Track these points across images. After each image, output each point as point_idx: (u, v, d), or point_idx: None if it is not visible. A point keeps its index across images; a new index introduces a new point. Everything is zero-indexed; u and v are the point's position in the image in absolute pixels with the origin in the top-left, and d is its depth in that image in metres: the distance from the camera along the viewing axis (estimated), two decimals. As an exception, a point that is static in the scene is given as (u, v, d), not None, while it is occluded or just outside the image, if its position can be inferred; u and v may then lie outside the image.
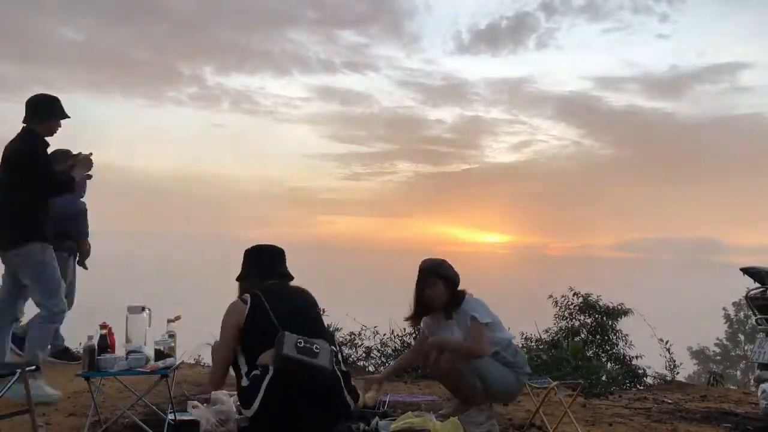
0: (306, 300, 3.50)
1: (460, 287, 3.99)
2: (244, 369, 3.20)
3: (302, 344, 3.02)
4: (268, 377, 3.03)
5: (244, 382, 3.14)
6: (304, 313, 3.36)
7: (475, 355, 3.75)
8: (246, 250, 3.62)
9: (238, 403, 3.30)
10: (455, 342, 3.76)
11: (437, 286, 3.91)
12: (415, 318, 4.14)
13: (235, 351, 3.27)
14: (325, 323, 3.66)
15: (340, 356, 3.42)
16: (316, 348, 3.05)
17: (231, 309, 3.32)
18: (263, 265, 3.54)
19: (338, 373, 3.23)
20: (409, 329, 7.53)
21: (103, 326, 3.64)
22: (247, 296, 3.31)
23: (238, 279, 3.61)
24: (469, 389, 3.78)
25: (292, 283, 3.59)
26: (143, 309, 3.72)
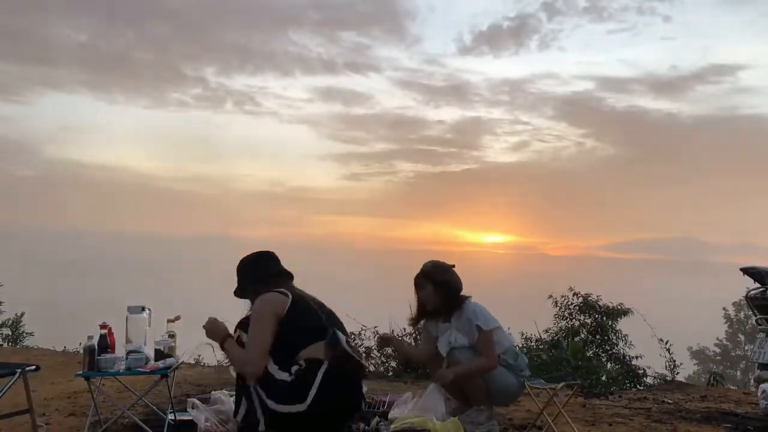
0: (322, 303, 3.52)
1: (463, 292, 3.98)
2: (275, 362, 3.10)
3: (351, 343, 3.21)
4: (322, 370, 3.04)
5: (283, 376, 3.07)
6: (332, 315, 3.39)
7: (488, 371, 3.77)
8: (243, 262, 3.48)
9: (265, 399, 3.06)
10: (466, 368, 3.74)
11: (426, 289, 3.91)
12: (415, 320, 4.16)
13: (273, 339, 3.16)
14: None
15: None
16: (354, 344, 3.23)
17: (269, 298, 3.20)
18: (270, 270, 3.49)
19: None
20: (409, 329, 7.54)
21: (103, 326, 3.64)
22: (285, 291, 3.27)
23: (239, 293, 3.46)
24: (472, 389, 3.79)
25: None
26: (143, 309, 3.72)
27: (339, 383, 3.06)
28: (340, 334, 3.15)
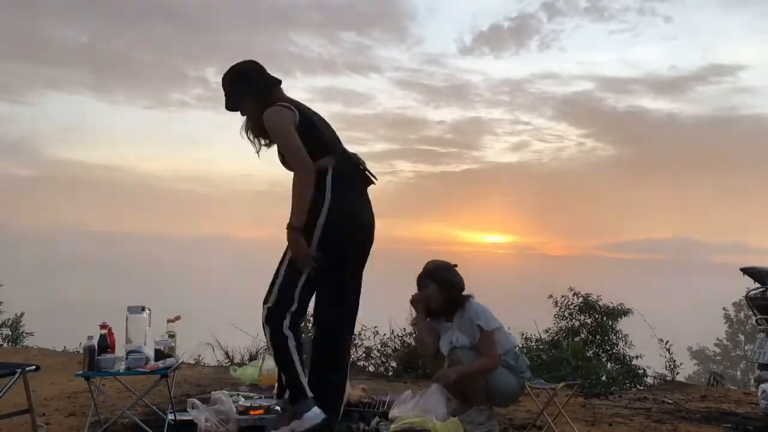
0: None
1: (465, 292, 3.98)
2: None
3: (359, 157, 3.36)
4: (329, 176, 3.17)
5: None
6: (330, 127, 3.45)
7: (490, 371, 3.77)
8: (235, 70, 3.28)
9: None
10: (468, 368, 3.74)
11: (430, 288, 3.92)
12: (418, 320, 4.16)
13: None
14: None
15: None
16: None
17: (279, 112, 3.15)
18: (268, 78, 3.32)
19: None
20: (409, 329, 7.54)
21: (103, 326, 3.64)
22: (290, 105, 3.22)
23: (228, 106, 3.31)
24: (472, 390, 3.79)
25: None
26: (143, 309, 3.72)
27: (349, 185, 3.22)
28: (352, 153, 3.31)
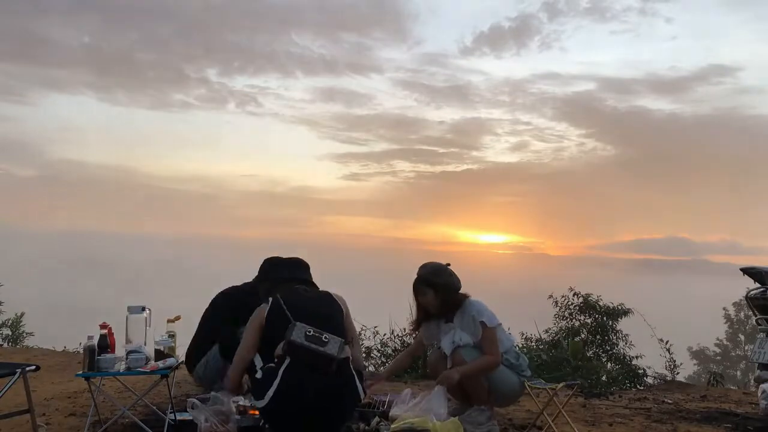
0: (328, 300, 3.49)
1: (462, 291, 3.98)
2: (259, 364, 3.23)
3: (311, 333, 3.10)
4: (284, 366, 3.08)
5: (258, 375, 3.17)
6: (320, 310, 3.38)
7: (493, 368, 3.77)
8: (266, 259, 3.72)
9: (251, 400, 3.32)
10: (471, 367, 3.73)
11: (428, 295, 3.92)
12: (416, 324, 4.16)
13: (255, 351, 3.31)
14: (349, 329, 3.59)
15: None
16: (325, 338, 3.10)
17: (256, 311, 3.39)
18: (279, 272, 3.60)
19: (350, 366, 3.26)
20: (409, 329, 7.54)
21: (103, 326, 3.63)
22: (269, 298, 3.36)
23: (257, 282, 3.72)
24: (474, 389, 3.79)
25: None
26: (143, 309, 3.71)
27: (302, 378, 3.05)
28: (299, 327, 3.10)
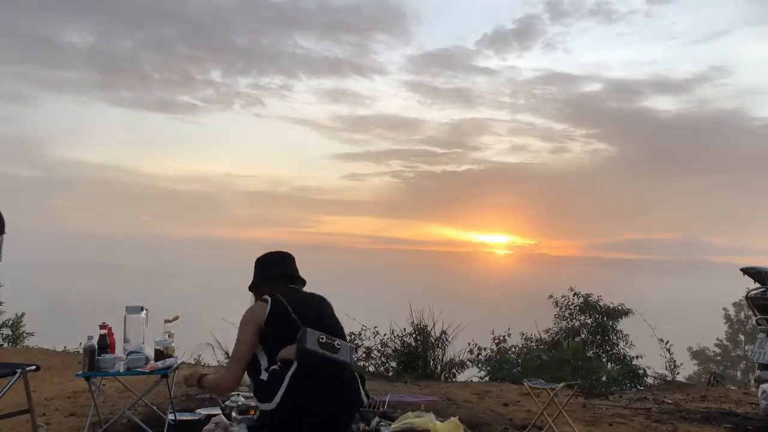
0: (322, 302, 3.51)
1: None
2: (264, 365, 3.22)
3: (324, 340, 3.07)
4: (291, 371, 3.03)
5: (264, 376, 3.16)
6: (323, 314, 3.38)
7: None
8: (257, 258, 3.61)
9: (254, 401, 3.30)
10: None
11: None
12: None
13: (254, 350, 3.30)
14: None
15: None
16: (338, 344, 3.10)
17: (252, 309, 3.30)
18: (276, 270, 3.56)
19: (354, 370, 3.27)
20: (409, 329, 7.55)
21: (103, 326, 3.63)
22: (267, 297, 3.33)
23: (250, 288, 3.62)
24: None
25: (306, 288, 3.62)
26: (142, 309, 3.71)
27: (310, 383, 3.04)
28: (310, 333, 3.07)
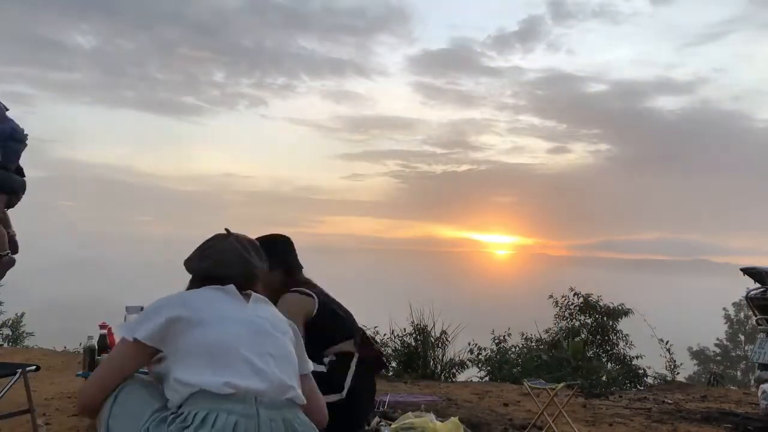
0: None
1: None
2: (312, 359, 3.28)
3: (368, 335, 3.33)
4: (354, 362, 3.18)
5: (319, 368, 3.22)
6: (348, 312, 3.48)
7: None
8: (277, 239, 3.46)
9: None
10: None
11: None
12: None
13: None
14: None
15: None
16: (376, 340, 3.34)
17: (297, 300, 3.25)
18: (292, 257, 3.50)
19: None
20: (409, 329, 7.55)
21: (103, 326, 3.62)
22: (311, 293, 3.31)
23: (286, 272, 3.41)
24: None
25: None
26: (142, 309, 3.71)
27: (368, 373, 3.24)
28: (357, 331, 3.28)
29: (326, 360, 3.16)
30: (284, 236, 3.56)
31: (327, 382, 3.09)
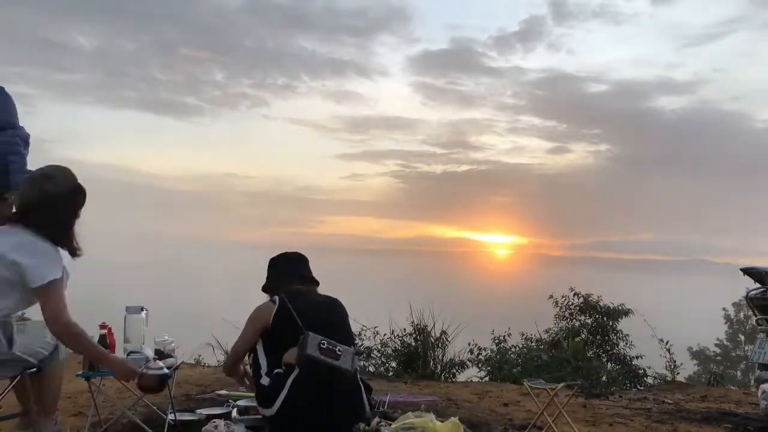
0: (333, 305, 3.48)
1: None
2: (264, 369, 3.19)
3: (325, 345, 3.04)
4: (292, 376, 3.05)
5: (265, 381, 3.14)
6: (329, 317, 3.35)
7: None
8: (271, 259, 3.64)
9: (255, 403, 3.33)
10: None
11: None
12: None
13: (253, 347, 3.31)
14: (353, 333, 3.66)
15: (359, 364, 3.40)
16: (339, 350, 3.06)
17: (259, 308, 3.34)
18: (290, 272, 3.56)
19: (359, 378, 3.24)
20: (409, 329, 7.55)
21: (103, 326, 3.62)
22: (276, 298, 3.33)
23: (264, 289, 3.61)
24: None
25: (320, 289, 3.62)
26: (142, 309, 3.71)
27: (311, 389, 3.02)
28: (312, 338, 3.03)
29: (273, 372, 3.11)
30: (282, 254, 3.65)
31: (265, 395, 3.11)
